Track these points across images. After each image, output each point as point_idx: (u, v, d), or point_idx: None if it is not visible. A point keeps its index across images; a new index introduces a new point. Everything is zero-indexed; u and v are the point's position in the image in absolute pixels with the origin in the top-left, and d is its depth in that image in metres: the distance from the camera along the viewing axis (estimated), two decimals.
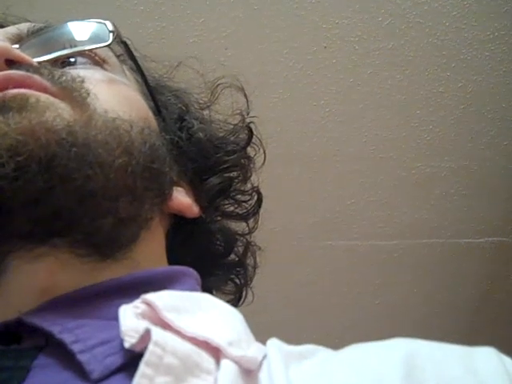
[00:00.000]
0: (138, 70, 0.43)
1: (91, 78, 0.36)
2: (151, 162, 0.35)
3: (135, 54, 0.43)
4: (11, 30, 0.39)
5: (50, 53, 0.38)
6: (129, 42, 0.42)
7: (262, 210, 0.50)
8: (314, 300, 1.34)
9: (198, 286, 0.37)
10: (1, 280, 0.30)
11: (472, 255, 1.31)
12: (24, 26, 0.40)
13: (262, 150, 0.50)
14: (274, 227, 1.18)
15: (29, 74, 0.33)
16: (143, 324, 0.26)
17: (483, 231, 1.28)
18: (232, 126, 0.48)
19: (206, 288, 0.40)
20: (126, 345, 0.25)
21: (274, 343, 0.29)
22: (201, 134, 0.45)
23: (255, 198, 0.49)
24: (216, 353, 0.26)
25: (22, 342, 0.28)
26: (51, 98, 0.32)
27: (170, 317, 0.27)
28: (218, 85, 0.50)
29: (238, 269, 0.49)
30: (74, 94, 0.33)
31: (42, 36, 0.39)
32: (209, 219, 0.45)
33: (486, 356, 0.26)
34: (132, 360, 0.25)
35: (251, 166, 0.49)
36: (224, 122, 0.49)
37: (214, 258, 0.47)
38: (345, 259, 1.29)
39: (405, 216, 1.25)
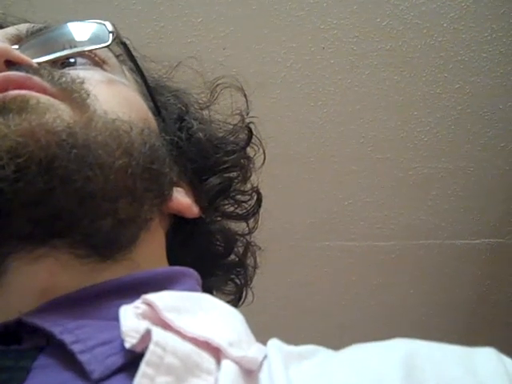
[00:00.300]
0: (138, 70, 0.43)
1: (91, 78, 0.36)
2: (151, 163, 0.35)
3: (134, 54, 0.43)
4: (10, 30, 0.39)
5: (49, 53, 0.37)
6: (128, 43, 0.42)
7: (260, 210, 0.50)
8: (311, 300, 1.34)
9: (199, 287, 0.37)
10: (1, 281, 0.30)
11: (469, 256, 1.31)
12: (23, 27, 0.40)
13: (261, 150, 0.50)
14: (271, 227, 1.18)
15: (28, 75, 0.32)
16: (144, 324, 0.26)
17: (480, 232, 1.29)
18: (231, 126, 0.48)
19: (207, 288, 0.40)
20: (127, 345, 0.25)
21: (274, 344, 0.29)
22: (200, 135, 0.45)
23: (255, 198, 0.49)
24: (216, 353, 0.26)
25: (22, 342, 0.28)
26: (51, 100, 0.32)
27: (170, 317, 0.27)
28: (218, 85, 0.50)
29: (238, 269, 0.49)
30: (74, 96, 0.33)
31: (41, 37, 0.39)
32: (208, 219, 0.45)
33: (486, 356, 0.26)
34: (133, 360, 0.25)
35: (251, 166, 0.49)
36: (223, 122, 0.49)
37: (214, 258, 0.47)
38: (342, 260, 1.29)
39: (402, 217, 1.25)
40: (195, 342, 0.26)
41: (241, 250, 0.49)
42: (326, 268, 1.30)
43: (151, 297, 0.28)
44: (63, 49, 0.38)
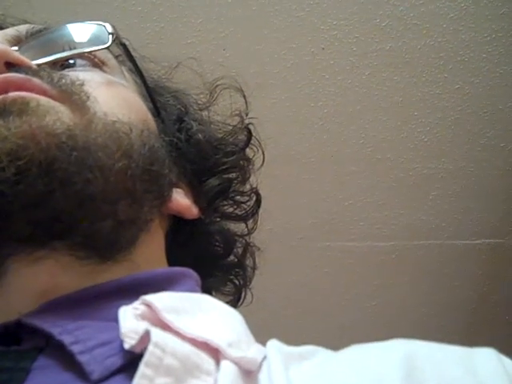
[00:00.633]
0: (137, 71, 0.43)
1: (91, 80, 0.36)
2: (150, 165, 0.35)
3: (134, 55, 0.43)
4: (10, 31, 0.39)
5: (49, 55, 0.37)
6: (127, 43, 0.42)
7: (260, 211, 0.50)
8: (311, 301, 1.34)
9: (198, 287, 0.37)
10: (1, 282, 0.30)
11: (469, 256, 1.31)
12: (23, 28, 0.40)
13: (260, 151, 0.50)
14: (271, 228, 1.18)
15: (28, 76, 0.32)
16: (143, 325, 0.26)
17: (480, 233, 1.29)
18: (231, 127, 0.48)
19: (206, 289, 0.40)
20: (126, 346, 0.25)
21: (273, 344, 0.29)
22: (200, 136, 0.45)
23: (254, 198, 0.49)
24: (216, 354, 0.26)
25: (21, 343, 0.28)
26: (51, 102, 0.32)
27: (169, 318, 0.27)
28: (217, 86, 0.50)
29: (237, 270, 0.49)
30: (74, 98, 0.33)
31: (41, 38, 0.39)
32: (208, 220, 0.45)
33: (486, 357, 0.26)
34: (132, 361, 0.25)
35: (250, 167, 0.49)
36: (223, 123, 0.49)
37: (213, 259, 0.47)
38: (342, 260, 1.30)
39: (402, 217, 1.26)
40: (194, 342, 0.26)
41: (240, 250, 0.49)
42: (326, 268, 1.30)
43: (150, 298, 0.28)
44: (63, 50, 0.38)
